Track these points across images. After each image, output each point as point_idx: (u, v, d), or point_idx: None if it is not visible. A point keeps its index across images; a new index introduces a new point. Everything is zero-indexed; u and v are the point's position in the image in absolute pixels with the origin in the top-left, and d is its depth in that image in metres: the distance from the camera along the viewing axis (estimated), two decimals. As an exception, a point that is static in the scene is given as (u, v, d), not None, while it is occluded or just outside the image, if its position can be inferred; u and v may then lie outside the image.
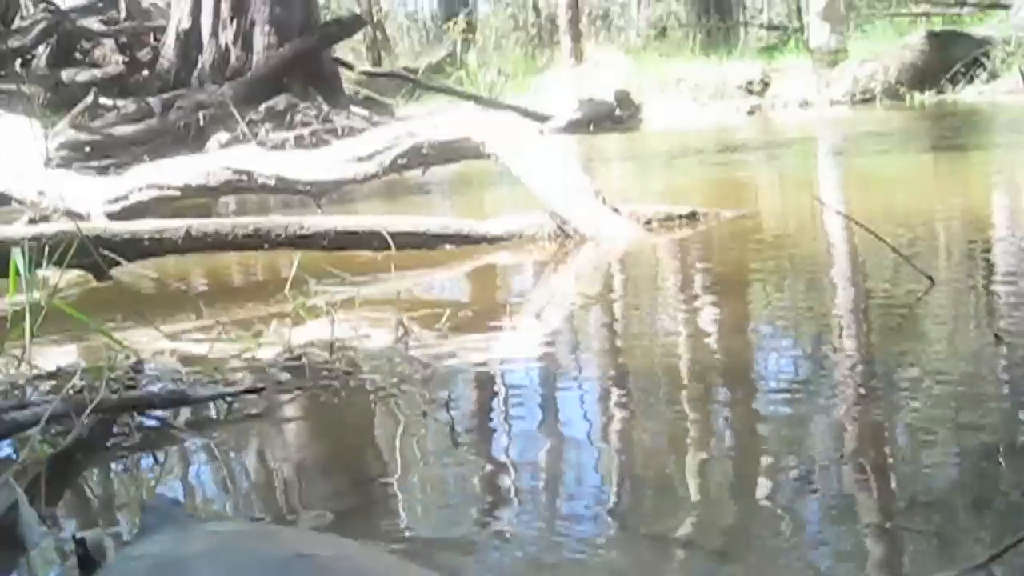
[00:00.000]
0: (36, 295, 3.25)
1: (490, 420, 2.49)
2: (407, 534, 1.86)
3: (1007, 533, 1.58)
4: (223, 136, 11.19)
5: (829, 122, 11.52)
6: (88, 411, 2.48)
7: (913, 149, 8.10)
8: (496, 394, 2.68)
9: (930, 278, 3.38)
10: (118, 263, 4.42)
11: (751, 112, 13.81)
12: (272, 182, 5.53)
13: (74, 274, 4.56)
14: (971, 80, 13.74)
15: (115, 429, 2.56)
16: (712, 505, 1.87)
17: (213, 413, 2.64)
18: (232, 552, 1.30)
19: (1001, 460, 1.95)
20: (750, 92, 14.69)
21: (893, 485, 1.89)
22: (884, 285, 3.52)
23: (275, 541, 1.33)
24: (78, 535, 1.80)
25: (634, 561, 1.67)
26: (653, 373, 2.71)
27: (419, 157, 5.32)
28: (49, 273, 3.71)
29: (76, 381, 2.71)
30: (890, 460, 2.00)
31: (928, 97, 13.40)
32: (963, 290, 3.39)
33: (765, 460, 2.04)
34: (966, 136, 8.56)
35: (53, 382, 2.88)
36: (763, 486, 1.92)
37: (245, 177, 5.55)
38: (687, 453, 2.13)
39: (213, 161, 5.77)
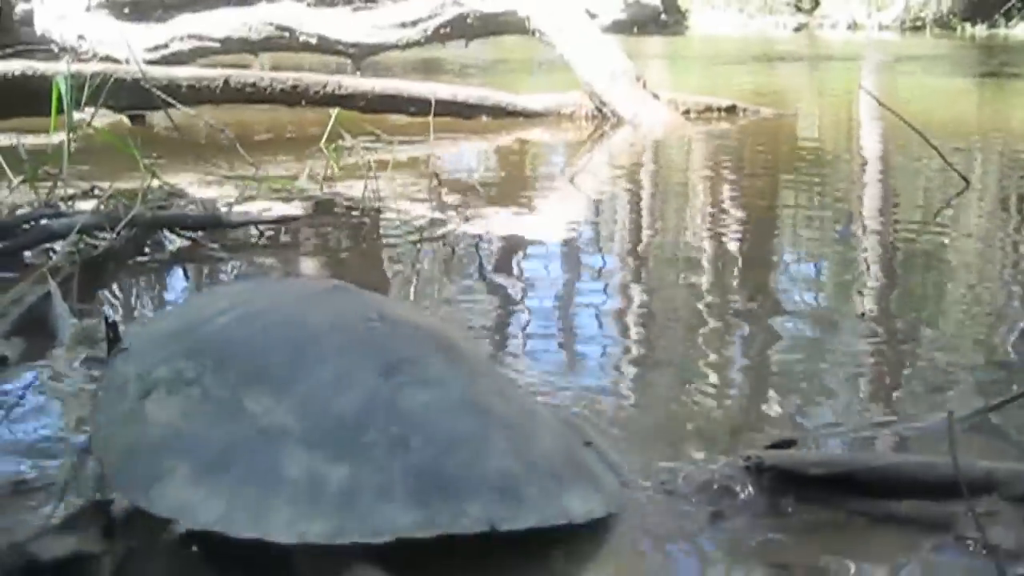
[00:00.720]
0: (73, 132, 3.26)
1: (517, 263, 2.51)
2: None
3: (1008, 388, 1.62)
4: (264, 6, 11.09)
5: (876, 44, 11.34)
6: (122, 224, 2.51)
7: (959, 73, 7.99)
8: (525, 241, 2.70)
9: (966, 179, 3.38)
10: (154, 107, 4.43)
11: (798, 29, 13.62)
12: (314, 40, 5.51)
13: (107, 119, 4.58)
14: (1026, 17, 13.51)
15: (148, 249, 2.59)
16: (720, 341, 1.90)
17: (245, 239, 2.67)
18: (283, 285, 1.43)
19: (1013, 328, 1.97)
20: (799, 9, 14.46)
21: (908, 343, 1.91)
22: (919, 185, 3.51)
23: (325, 281, 1.45)
24: (110, 318, 1.85)
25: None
26: (676, 234, 2.73)
27: (463, 27, 5.29)
28: (85, 115, 3.72)
29: (110, 199, 2.75)
30: (906, 322, 2.01)
31: (979, 30, 13.18)
32: (997, 194, 3.38)
33: (780, 316, 2.06)
34: (1015, 67, 8.43)
35: (88, 202, 2.90)
36: (781, 335, 1.95)
37: (287, 34, 5.52)
38: (702, 305, 2.15)
39: (255, 14, 5.74)
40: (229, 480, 1.12)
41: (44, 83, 3.92)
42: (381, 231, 2.76)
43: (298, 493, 1.10)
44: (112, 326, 1.83)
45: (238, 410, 1.19)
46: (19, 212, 2.69)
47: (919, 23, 13.72)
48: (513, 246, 2.65)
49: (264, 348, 1.27)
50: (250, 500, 1.10)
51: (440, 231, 2.74)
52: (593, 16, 11.71)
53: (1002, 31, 13.08)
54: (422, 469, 1.13)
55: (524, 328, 1.99)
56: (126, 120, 4.73)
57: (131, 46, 5.47)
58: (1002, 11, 13.39)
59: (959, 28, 13.34)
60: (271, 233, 2.71)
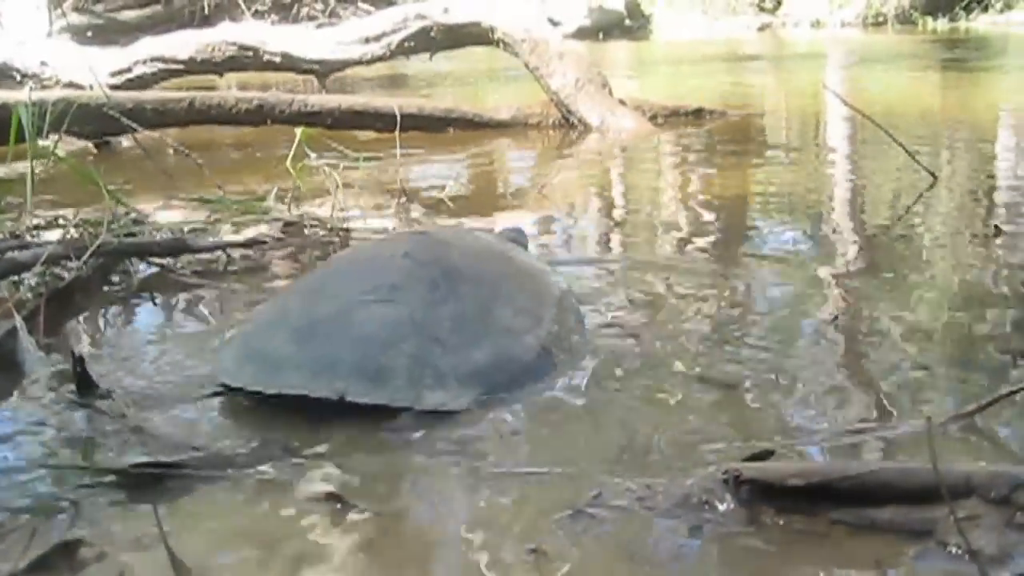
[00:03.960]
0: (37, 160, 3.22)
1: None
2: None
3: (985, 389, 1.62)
4: (226, 26, 11.03)
5: (840, 41, 11.40)
6: (88, 253, 2.48)
7: (922, 68, 8.03)
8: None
9: (933, 174, 3.39)
10: (119, 132, 4.40)
11: (762, 28, 13.68)
12: (278, 59, 5.48)
13: (73, 146, 4.54)
14: (985, 9, 13.61)
15: (115, 278, 2.56)
16: (696, 351, 1.89)
17: (214, 264, 2.65)
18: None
19: (990, 325, 1.97)
20: (762, 9, 14.53)
21: (882, 346, 1.90)
22: (888, 181, 3.51)
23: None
24: (77, 353, 1.82)
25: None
26: (649, 244, 2.72)
27: (427, 40, 5.27)
28: (49, 143, 3.67)
29: (75, 228, 2.72)
30: (879, 323, 2.01)
31: (941, 23, 13.27)
32: (965, 188, 3.38)
33: (755, 322, 2.06)
34: (976, 60, 8.49)
35: (53, 232, 2.87)
36: (758, 340, 1.94)
37: (250, 53, 5.49)
38: (677, 312, 2.14)
39: (218, 34, 5.71)
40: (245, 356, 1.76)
41: (5, 112, 3.87)
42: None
43: (261, 362, 1.71)
44: (80, 361, 1.81)
45: (284, 312, 1.82)
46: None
47: (881, 19, 13.81)
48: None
49: (320, 276, 1.97)
50: (234, 365, 1.76)
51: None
52: (557, 23, 11.80)
53: (963, 24, 13.18)
54: (323, 355, 1.67)
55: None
56: (91, 146, 4.69)
57: (95, 71, 5.43)
58: (962, 4, 13.49)
59: (920, 22, 13.43)
60: (241, 257, 2.69)
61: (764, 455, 1.36)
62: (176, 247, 2.64)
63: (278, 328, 1.76)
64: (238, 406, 1.70)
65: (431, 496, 1.39)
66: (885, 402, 1.63)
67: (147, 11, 11.33)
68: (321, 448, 1.53)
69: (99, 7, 11.16)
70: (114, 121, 4.15)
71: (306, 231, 2.90)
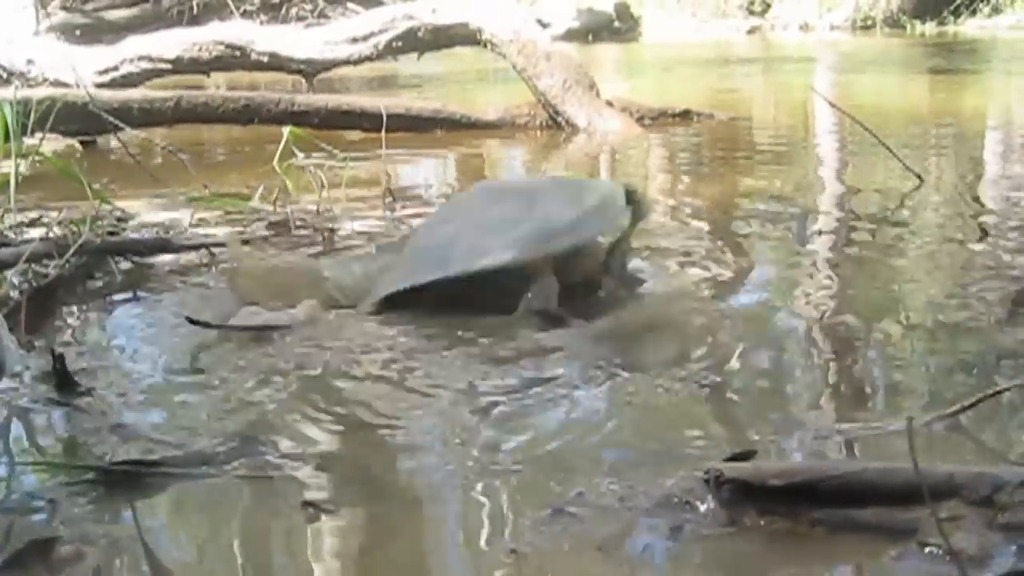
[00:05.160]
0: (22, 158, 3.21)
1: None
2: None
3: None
4: (214, 25, 10.97)
5: (828, 44, 11.42)
6: (71, 252, 2.47)
7: (911, 71, 8.05)
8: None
9: (919, 177, 3.39)
10: (106, 131, 4.37)
11: (751, 31, 13.68)
12: (265, 59, 5.46)
13: (59, 145, 4.53)
14: (973, 13, 13.64)
15: (98, 276, 2.55)
16: (682, 349, 1.88)
17: (198, 261, 2.64)
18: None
19: (973, 326, 1.97)
20: (751, 12, 14.53)
21: (867, 346, 1.90)
22: (874, 182, 3.51)
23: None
24: (57, 350, 1.81)
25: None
26: (636, 234, 2.71)
27: (415, 40, 5.26)
28: (35, 141, 3.66)
29: (59, 227, 2.70)
30: (865, 323, 2.01)
31: (929, 27, 13.30)
32: (951, 190, 3.38)
33: (741, 321, 2.05)
34: (964, 63, 8.51)
35: (36, 229, 2.85)
36: (744, 340, 1.93)
37: (238, 53, 5.47)
38: (663, 309, 2.14)
39: (205, 34, 5.69)
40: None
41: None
42: (335, 248, 2.73)
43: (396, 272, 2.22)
44: (60, 359, 1.80)
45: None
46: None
47: (869, 22, 13.82)
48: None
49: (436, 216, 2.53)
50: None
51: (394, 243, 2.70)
52: (546, 25, 11.78)
53: (951, 28, 13.21)
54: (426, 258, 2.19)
55: (480, 343, 1.97)
56: (78, 145, 4.67)
57: (81, 70, 5.40)
58: (951, 8, 13.52)
59: (909, 26, 13.45)
60: (224, 255, 2.67)
61: (746, 455, 1.36)
62: (159, 246, 2.63)
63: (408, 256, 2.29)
64: (221, 403, 1.69)
65: (410, 496, 1.38)
66: (868, 402, 1.63)
67: (135, 10, 11.26)
68: (299, 446, 1.52)
69: (88, 6, 11.11)
70: (100, 120, 4.13)
71: (291, 230, 2.89)
